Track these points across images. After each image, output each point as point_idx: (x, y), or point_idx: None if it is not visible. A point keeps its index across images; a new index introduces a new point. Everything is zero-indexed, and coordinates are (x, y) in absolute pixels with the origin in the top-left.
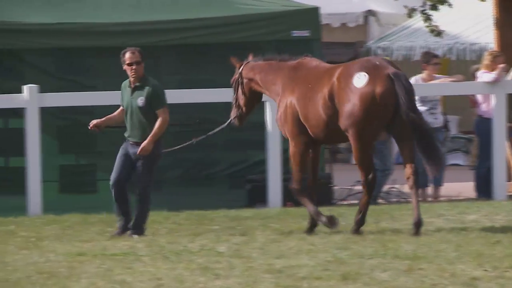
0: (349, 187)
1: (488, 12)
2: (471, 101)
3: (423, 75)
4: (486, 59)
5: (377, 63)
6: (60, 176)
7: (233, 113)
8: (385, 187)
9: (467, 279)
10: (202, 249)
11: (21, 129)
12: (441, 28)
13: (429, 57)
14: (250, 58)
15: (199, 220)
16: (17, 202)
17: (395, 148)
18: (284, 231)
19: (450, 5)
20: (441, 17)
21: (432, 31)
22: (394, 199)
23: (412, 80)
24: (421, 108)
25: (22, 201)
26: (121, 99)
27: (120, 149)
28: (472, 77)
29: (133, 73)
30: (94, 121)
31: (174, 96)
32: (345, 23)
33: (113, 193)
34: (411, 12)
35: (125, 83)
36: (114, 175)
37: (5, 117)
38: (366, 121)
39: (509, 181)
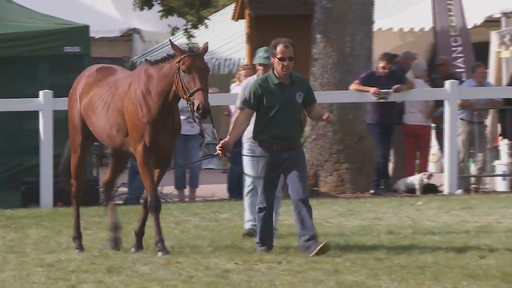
0: (115, 189)
1: (240, 31)
2: (225, 110)
3: None
4: (238, 73)
5: None
6: None
7: None
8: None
9: (220, 271)
10: None
11: None
12: (200, 45)
13: None
14: None
15: None
16: None
17: None
18: (55, 229)
19: (206, 25)
20: (199, 35)
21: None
22: None
23: None
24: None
25: None
26: (252, 99)
27: (266, 167)
28: (227, 88)
29: (284, 70)
30: (222, 142)
31: None
32: (112, 40)
33: (262, 216)
34: (174, 30)
35: (261, 81)
36: (268, 196)
37: None
38: None
39: None
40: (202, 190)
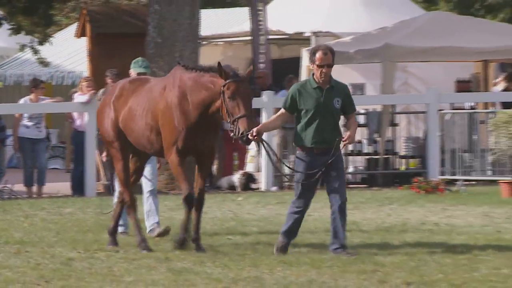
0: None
1: (82, 47)
2: (68, 117)
3: (31, 96)
4: (81, 84)
5: None
6: None
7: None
8: None
9: (64, 259)
10: None
11: None
12: (46, 60)
13: (36, 83)
14: None
15: None
16: None
17: (9, 152)
18: None
19: (51, 43)
20: (46, 51)
21: (40, 62)
22: (6, 196)
23: (22, 101)
24: (28, 123)
25: None
26: (289, 101)
27: (304, 171)
28: (69, 98)
29: (322, 76)
30: (256, 129)
31: None
32: None
33: (295, 217)
34: (22, 47)
35: (300, 85)
36: (306, 202)
37: None
38: None
39: (98, 181)
40: (48, 187)
